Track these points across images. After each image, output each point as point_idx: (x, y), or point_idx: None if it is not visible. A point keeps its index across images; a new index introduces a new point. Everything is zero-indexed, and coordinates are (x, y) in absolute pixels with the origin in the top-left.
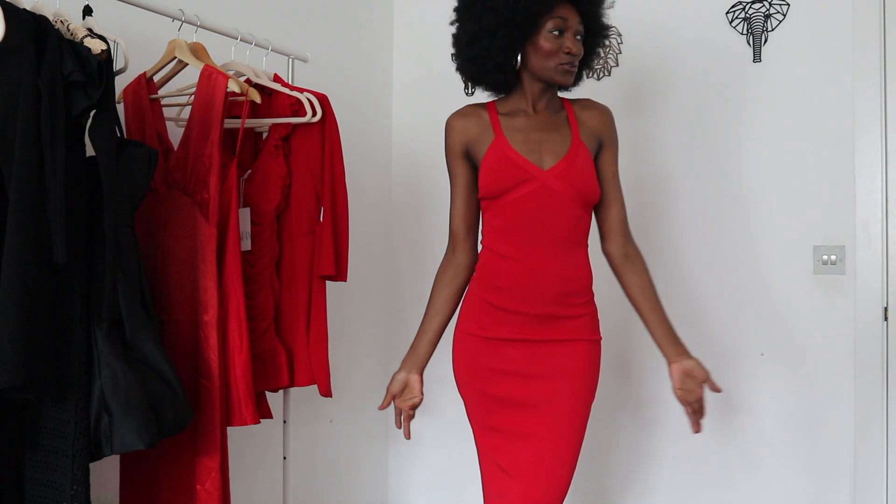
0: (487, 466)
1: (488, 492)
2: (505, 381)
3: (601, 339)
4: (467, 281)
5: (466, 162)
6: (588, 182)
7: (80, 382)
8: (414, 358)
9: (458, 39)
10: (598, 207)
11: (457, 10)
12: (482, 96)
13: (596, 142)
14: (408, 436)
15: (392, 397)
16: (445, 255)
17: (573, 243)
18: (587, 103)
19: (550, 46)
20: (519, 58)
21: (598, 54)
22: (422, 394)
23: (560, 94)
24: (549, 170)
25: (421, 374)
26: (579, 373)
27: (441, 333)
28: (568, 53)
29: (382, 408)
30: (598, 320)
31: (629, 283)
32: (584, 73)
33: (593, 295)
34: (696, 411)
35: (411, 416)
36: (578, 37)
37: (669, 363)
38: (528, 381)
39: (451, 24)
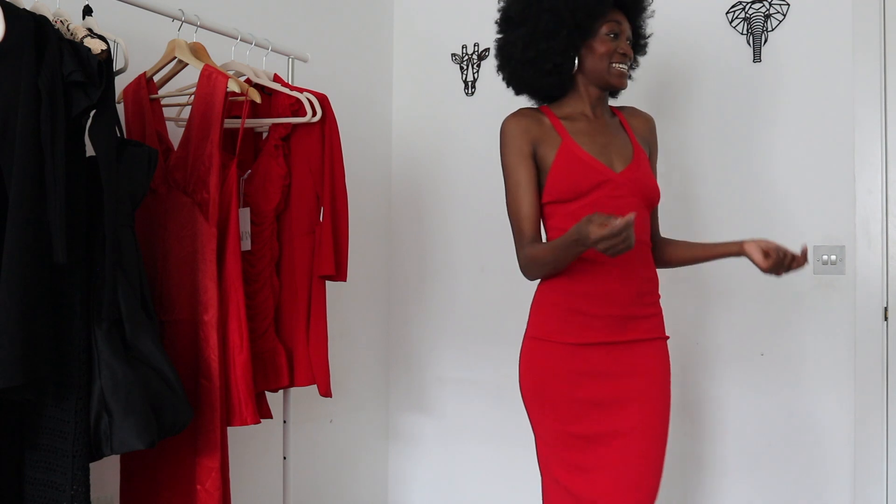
0: (561, 474)
1: (562, 498)
2: (590, 383)
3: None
4: None
5: (533, 163)
6: (654, 186)
7: (80, 382)
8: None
9: (509, 45)
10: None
11: (505, 18)
12: (484, 97)
13: (646, 149)
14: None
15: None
16: (521, 250)
17: (644, 244)
18: (633, 111)
19: (606, 49)
20: (576, 62)
21: (637, 63)
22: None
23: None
24: (622, 173)
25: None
26: (660, 371)
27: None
28: (623, 55)
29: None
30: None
31: (674, 247)
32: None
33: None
34: (789, 262)
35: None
36: (628, 41)
37: (741, 250)
38: (615, 380)
39: (498, 34)
